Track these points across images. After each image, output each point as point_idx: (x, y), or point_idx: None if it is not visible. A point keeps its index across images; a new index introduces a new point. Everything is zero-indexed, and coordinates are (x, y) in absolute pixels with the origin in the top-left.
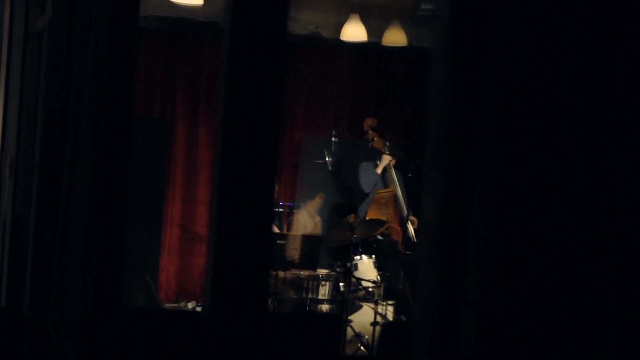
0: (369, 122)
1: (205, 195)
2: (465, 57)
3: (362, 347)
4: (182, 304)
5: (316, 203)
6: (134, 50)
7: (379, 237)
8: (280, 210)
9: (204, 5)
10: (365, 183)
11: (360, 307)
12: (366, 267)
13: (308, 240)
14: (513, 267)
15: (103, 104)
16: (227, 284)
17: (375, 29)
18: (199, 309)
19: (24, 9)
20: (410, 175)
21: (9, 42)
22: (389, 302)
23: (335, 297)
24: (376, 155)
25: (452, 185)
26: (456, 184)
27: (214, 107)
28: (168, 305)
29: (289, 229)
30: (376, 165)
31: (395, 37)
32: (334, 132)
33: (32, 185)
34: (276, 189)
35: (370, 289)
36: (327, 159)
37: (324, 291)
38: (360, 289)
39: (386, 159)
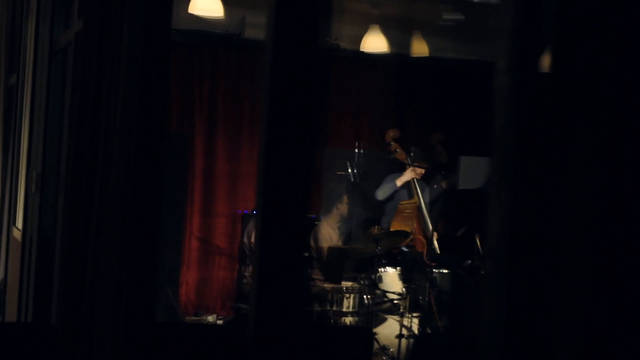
0: (390, 134)
1: (224, 208)
2: (531, 68)
3: None
4: (201, 317)
5: (335, 214)
6: (167, 61)
7: (404, 249)
8: None
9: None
10: (382, 190)
11: (385, 319)
12: (391, 279)
13: (332, 252)
14: (594, 279)
15: (136, 117)
16: (273, 297)
17: (395, 40)
18: (220, 322)
19: (48, 24)
20: (435, 186)
21: (34, 57)
22: (414, 314)
23: (360, 309)
24: (399, 168)
25: (518, 200)
26: (523, 199)
27: (232, 120)
28: (187, 318)
29: None
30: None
31: (416, 47)
32: (357, 144)
33: (58, 200)
34: None
35: (395, 301)
36: (349, 170)
37: (348, 304)
38: (385, 302)
39: (409, 174)
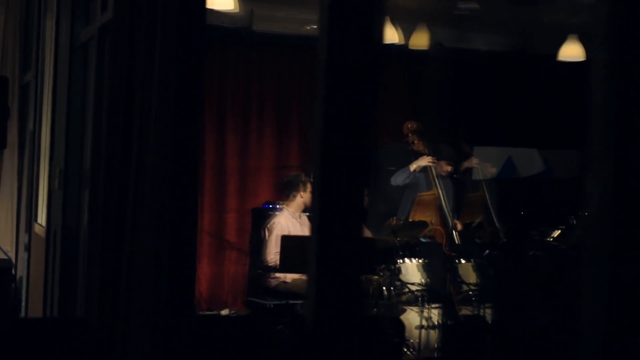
0: (408, 125)
1: (235, 203)
2: (628, 41)
3: (407, 352)
4: (214, 313)
5: None
6: (202, 52)
7: (422, 240)
8: None
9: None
10: (394, 176)
11: (405, 310)
12: (410, 270)
13: None
14: None
15: (173, 109)
16: (332, 291)
17: (406, 32)
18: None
19: (69, 20)
20: (455, 176)
21: (55, 53)
22: (434, 305)
23: (380, 301)
24: (412, 158)
25: (619, 175)
26: (623, 174)
27: (241, 115)
28: (200, 314)
29: None
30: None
31: (423, 39)
32: None
33: (81, 195)
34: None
35: (415, 291)
36: None
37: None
38: (404, 293)
39: (425, 160)
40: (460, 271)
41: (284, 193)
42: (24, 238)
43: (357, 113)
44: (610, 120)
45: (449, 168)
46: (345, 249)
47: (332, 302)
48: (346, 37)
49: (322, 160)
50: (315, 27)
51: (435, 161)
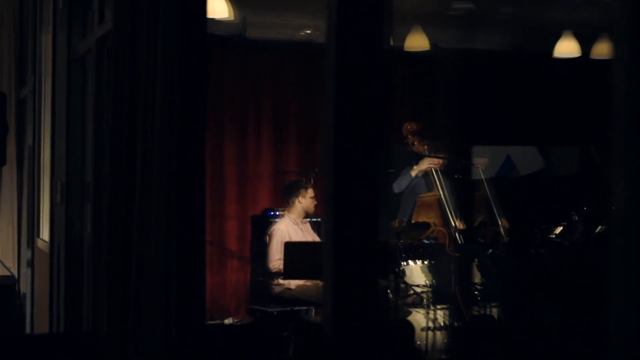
0: (408, 127)
1: (234, 211)
2: None
3: (415, 354)
4: (216, 321)
5: None
6: (205, 59)
7: (425, 241)
8: (319, 219)
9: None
10: (397, 183)
11: (410, 312)
12: (415, 272)
13: None
14: None
15: (177, 117)
16: (346, 294)
17: (399, 34)
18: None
19: (66, 34)
20: (456, 176)
21: (53, 67)
22: (439, 306)
23: (385, 303)
24: (412, 161)
25: None
26: None
27: (239, 123)
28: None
29: None
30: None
31: (418, 41)
32: None
33: (84, 208)
34: None
35: (421, 293)
36: None
37: None
38: (410, 295)
39: (425, 163)
40: (465, 271)
41: (284, 199)
42: (26, 254)
43: (367, 116)
44: (635, 114)
45: (440, 162)
46: (361, 253)
47: (350, 308)
48: (354, 41)
49: (334, 165)
50: (309, 32)
51: (435, 162)
